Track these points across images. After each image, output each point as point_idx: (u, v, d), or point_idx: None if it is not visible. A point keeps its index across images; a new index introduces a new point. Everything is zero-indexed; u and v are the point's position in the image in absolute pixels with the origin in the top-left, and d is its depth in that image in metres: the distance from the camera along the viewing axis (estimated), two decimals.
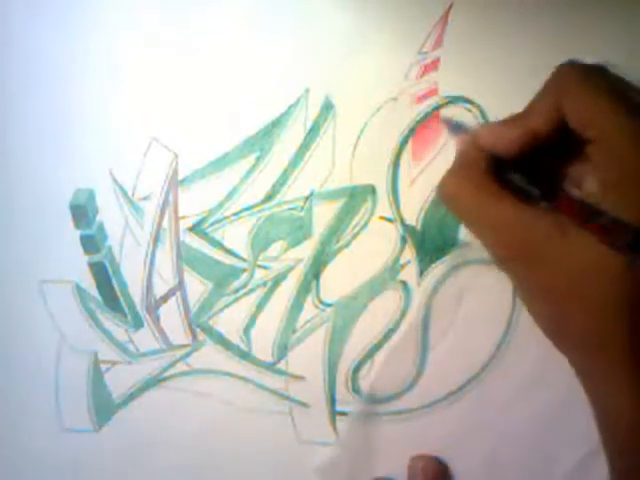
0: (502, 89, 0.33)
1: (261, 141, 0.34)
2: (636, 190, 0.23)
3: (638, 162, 0.23)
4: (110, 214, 0.36)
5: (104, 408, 0.37)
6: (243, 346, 0.36)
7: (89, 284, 0.37)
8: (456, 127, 0.31)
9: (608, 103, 0.24)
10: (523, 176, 0.26)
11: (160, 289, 0.36)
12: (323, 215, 0.34)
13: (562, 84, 0.26)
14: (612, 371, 0.23)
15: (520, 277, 0.26)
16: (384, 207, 0.34)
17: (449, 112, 0.33)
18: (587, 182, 0.25)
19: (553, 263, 0.24)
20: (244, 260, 0.35)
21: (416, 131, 0.34)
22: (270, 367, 0.35)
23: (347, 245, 0.34)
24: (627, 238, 0.22)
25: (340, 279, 0.34)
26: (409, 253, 0.34)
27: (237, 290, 0.35)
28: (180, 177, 0.35)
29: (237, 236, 0.35)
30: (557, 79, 0.26)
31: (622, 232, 0.22)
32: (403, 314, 0.34)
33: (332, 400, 0.35)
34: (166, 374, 0.36)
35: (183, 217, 0.35)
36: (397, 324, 0.34)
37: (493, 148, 0.27)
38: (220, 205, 0.35)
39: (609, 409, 0.24)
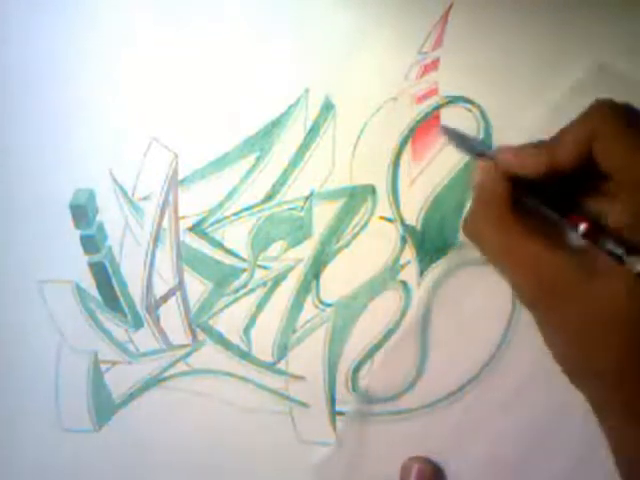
0: (502, 89, 0.33)
1: (261, 141, 0.34)
2: None
3: None
4: (110, 214, 0.36)
5: (104, 408, 0.37)
6: (243, 346, 0.36)
7: (89, 284, 0.37)
8: (456, 136, 0.31)
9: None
10: (541, 200, 0.26)
11: (160, 289, 0.36)
12: (323, 215, 0.34)
13: (595, 121, 0.25)
14: (629, 410, 0.23)
15: (544, 317, 0.25)
16: (384, 207, 0.34)
17: (447, 120, 0.33)
18: (612, 215, 0.25)
19: (577, 304, 0.23)
20: (244, 260, 0.35)
21: (416, 131, 0.34)
22: (270, 367, 0.35)
23: (347, 245, 0.34)
24: None
25: (340, 279, 0.34)
26: (409, 253, 0.34)
27: (237, 290, 0.35)
28: (180, 177, 0.35)
29: (237, 236, 0.35)
30: (590, 115, 0.25)
31: None
32: (403, 314, 0.34)
33: (332, 400, 0.35)
34: (166, 374, 0.36)
35: (183, 217, 0.35)
36: (397, 324, 0.34)
37: (515, 171, 0.26)
38: (220, 205, 0.35)
39: (626, 443, 0.24)
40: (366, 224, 0.34)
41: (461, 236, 0.33)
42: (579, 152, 0.25)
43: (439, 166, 0.34)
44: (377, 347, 0.34)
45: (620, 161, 0.24)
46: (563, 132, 0.26)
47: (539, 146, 0.26)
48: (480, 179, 0.27)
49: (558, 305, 0.24)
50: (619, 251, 0.23)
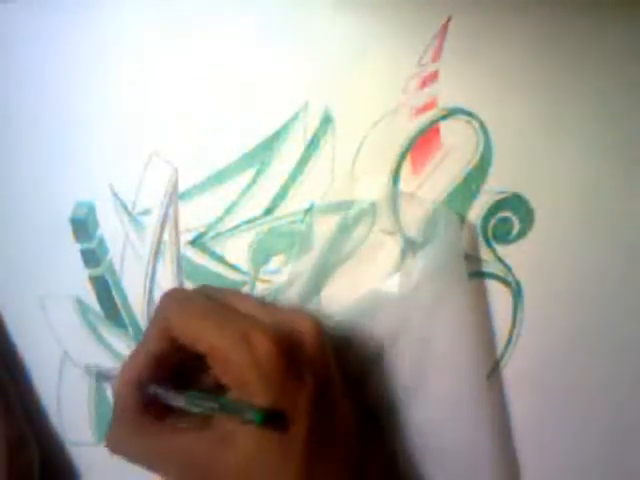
0: (502, 101, 0.33)
1: (261, 155, 0.34)
2: (248, 388, 0.25)
3: (245, 365, 0.25)
4: (110, 228, 0.36)
5: (106, 421, 0.37)
6: None
7: (90, 298, 0.37)
8: (100, 376, 0.34)
9: (208, 321, 0.26)
10: (168, 388, 0.27)
11: None
12: (323, 228, 0.34)
13: (167, 309, 0.28)
14: None
15: None
16: (384, 220, 0.34)
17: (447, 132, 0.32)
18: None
19: (226, 474, 0.25)
20: (245, 274, 0.35)
21: (416, 143, 0.34)
22: None
23: (348, 258, 0.34)
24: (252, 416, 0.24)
25: (341, 292, 0.34)
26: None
27: None
28: (180, 191, 0.35)
29: (237, 250, 0.35)
30: (162, 305, 0.28)
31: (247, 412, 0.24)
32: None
33: None
34: None
35: (183, 231, 0.35)
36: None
37: (134, 377, 0.28)
38: (220, 219, 0.35)
39: None
40: (366, 237, 0.34)
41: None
42: (164, 337, 0.27)
43: (439, 178, 0.34)
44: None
45: (195, 334, 0.26)
46: (148, 326, 0.29)
47: (137, 345, 0.29)
48: (114, 390, 0.29)
49: None
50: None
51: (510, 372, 0.33)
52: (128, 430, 0.27)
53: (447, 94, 0.33)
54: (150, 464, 0.27)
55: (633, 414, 0.32)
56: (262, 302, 0.30)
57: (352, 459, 0.27)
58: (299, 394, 0.25)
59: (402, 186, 0.34)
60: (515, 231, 0.33)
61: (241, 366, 0.25)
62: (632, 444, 0.32)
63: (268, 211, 0.35)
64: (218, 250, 0.35)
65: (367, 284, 0.34)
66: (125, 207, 0.36)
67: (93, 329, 0.37)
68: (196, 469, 0.25)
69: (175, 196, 0.35)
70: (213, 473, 0.25)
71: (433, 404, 0.33)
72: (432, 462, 0.32)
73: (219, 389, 0.27)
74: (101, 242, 0.36)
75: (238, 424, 0.25)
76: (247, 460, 0.25)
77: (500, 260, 0.33)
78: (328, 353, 0.28)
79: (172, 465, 0.26)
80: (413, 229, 0.34)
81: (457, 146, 0.33)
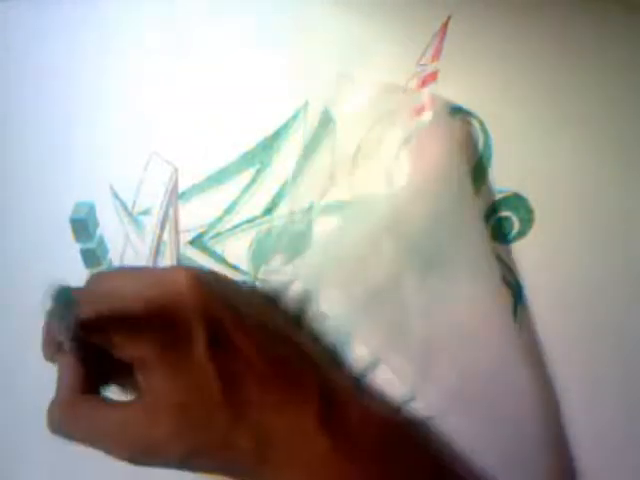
0: (502, 101, 0.33)
1: (261, 154, 0.34)
2: (146, 363, 0.26)
3: (133, 339, 0.26)
4: (111, 228, 0.36)
5: None
6: None
7: None
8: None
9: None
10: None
11: None
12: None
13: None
14: None
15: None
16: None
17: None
18: None
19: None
20: (245, 273, 0.35)
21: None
22: None
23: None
24: None
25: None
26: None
27: None
28: (180, 191, 0.35)
29: (237, 249, 0.35)
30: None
31: None
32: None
33: None
34: None
35: (183, 231, 0.36)
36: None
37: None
38: (220, 219, 0.35)
39: None
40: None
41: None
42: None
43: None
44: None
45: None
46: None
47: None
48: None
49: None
50: None
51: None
52: (69, 406, 0.28)
53: (447, 93, 0.33)
54: (90, 440, 0.27)
55: (634, 412, 0.32)
56: (138, 272, 0.31)
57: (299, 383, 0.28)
58: (194, 342, 0.25)
59: None
60: (515, 231, 0.33)
61: (131, 340, 0.25)
62: (632, 449, 0.32)
63: (268, 211, 0.35)
64: (218, 250, 0.35)
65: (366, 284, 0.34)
66: (125, 207, 0.36)
67: None
68: (130, 438, 0.26)
69: (175, 196, 0.35)
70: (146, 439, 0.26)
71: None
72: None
73: None
74: (101, 242, 0.36)
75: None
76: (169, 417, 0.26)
77: (500, 260, 0.33)
78: (206, 293, 0.28)
79: (111, 437, 0.27)
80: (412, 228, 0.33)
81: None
